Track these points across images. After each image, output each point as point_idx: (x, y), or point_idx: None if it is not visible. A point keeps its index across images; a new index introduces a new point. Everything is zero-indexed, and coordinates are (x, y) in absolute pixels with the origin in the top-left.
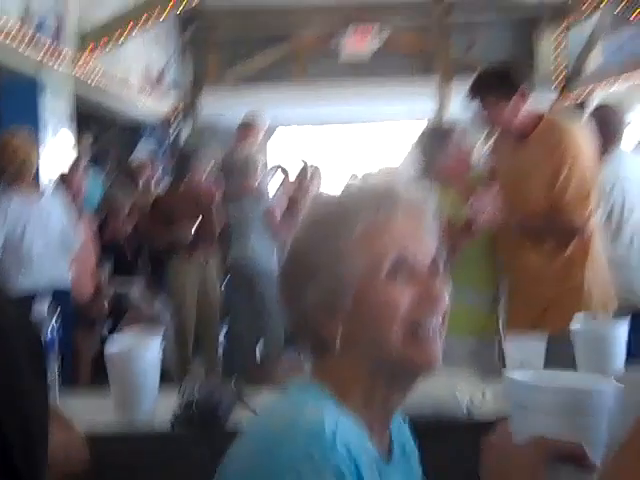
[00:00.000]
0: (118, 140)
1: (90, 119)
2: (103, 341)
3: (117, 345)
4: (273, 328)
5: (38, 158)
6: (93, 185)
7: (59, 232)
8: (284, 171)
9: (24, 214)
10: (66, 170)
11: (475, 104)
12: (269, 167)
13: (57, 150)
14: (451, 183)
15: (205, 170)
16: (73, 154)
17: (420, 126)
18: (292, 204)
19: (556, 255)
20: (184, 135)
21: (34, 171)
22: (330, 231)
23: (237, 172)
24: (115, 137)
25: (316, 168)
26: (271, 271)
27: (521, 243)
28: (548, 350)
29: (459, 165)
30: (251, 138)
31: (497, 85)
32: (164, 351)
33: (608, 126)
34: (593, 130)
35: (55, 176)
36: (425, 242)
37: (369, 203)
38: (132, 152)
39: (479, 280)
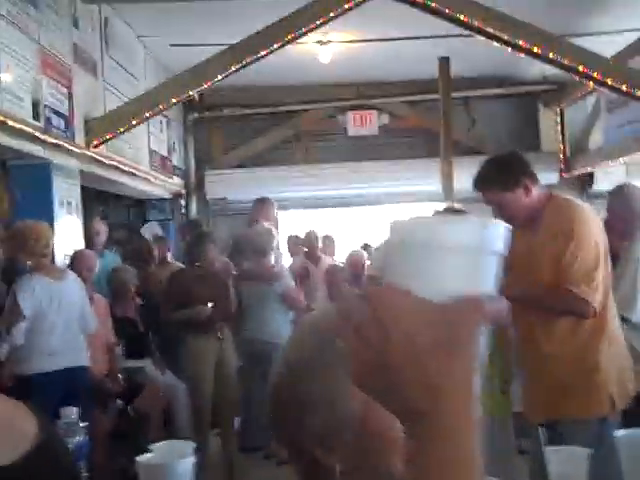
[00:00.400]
0: (127, 214)
1: (100, 195)
2: (119, 416)
3: (151, 456)
4: None
5: (53, 238)
6: (103, 262)
7: (79, 312)
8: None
9: (47, 296)
10: (78, 249)
11: (484, 197)
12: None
13: (69, 229)
14: None
15: (218, 249)
16: (82, 233)
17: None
18: (305, 274)
19: (569, 338)
20: (192, 212)
21: (47, 252)
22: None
23: (253, 251)
24: (124, 211)
25: (328, 237)
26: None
27: (532, 330)
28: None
29: None
30: (266, 217)
31: (498, 179)
32: (182, 423)
33: (632, 203)
34: (618, 208)
35: (68, 255)
36: None
37: None
38: (142, 225)
39: (490, 363)
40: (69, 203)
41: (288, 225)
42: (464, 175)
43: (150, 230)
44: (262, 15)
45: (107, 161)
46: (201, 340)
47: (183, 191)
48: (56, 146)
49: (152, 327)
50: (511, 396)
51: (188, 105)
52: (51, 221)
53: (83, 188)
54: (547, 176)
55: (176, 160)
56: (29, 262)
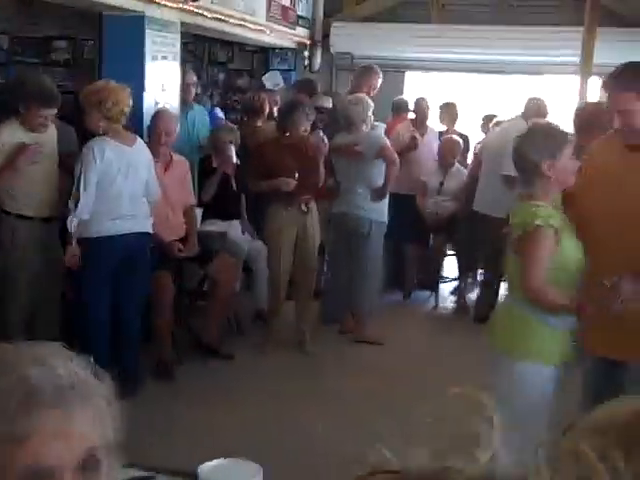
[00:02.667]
0: (251, 62)
1: (225, 43)
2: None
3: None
4: (368, 287)
5: (130, 104)
6: (191, 115)
7: (144, 179)
8: (398, 107)
9: (116, 161)
10: (160, 110)
11: (613, 99)
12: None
13: (161, 83)
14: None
15: (311, 120)
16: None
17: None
18: (412, 142)
19: None
20: (316, 65)
21: (126, 117)
22: None
23: (346, 123)
24: (248, 59)
25: (449, 104)
26: (375, 227)
27: None
28: None
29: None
30: (367, 86)
31: (636, 85)
32: (259, 293)
33: None
34: None
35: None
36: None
37: None
38: (263, 75)
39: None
40: (164, 57)
41: (412, 87)
42: (608, 49)
43: (271, 80)
44: None
45: (209, 14)
46: (283, 212)
47: (308, 42)
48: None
49: (245, 188)
50: None
51: None
52: (141, 76)
53: (203, 37)
54: None
55: (302, 9)
56: (102, 124)
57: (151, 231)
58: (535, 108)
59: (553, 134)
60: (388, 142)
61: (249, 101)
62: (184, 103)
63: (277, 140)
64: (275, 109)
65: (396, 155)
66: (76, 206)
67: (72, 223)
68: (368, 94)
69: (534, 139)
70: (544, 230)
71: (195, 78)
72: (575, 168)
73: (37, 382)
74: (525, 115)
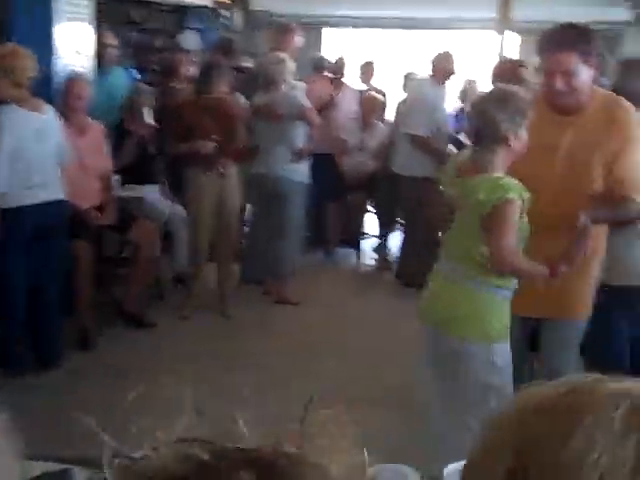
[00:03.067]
0: (163, 21)
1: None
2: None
3: None
4: (289, 247)
5: (35, 70)
6: (110, 79)
7: (55, 145)
8: (317, 66)
9: (28, 129)
10: (71, 76)
11: (553, 59)
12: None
13: (73, 45)
14: None
15: (229, 81)
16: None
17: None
18: (330, 100)
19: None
20: (234, 24)
21: (30, 82)
22: None
23: (264, 82)
24: (161, 18)
25: (368, 62)
26: (295, 187)
27: None
28: None
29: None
30: (285, 45)
31: (581, 45)
32: (179, 257)
33: None
34: None
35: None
36: None
37: None
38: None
39: None
40: (76, 19)
41: (330, 46)
42: (527, 3)
43: (188, 40)
44: None
45: None
46: (201, 175)
47: (226, 0)
48: None
49: (163, 151)
50: None
51: None
52: (50, 40)
53: None
54: (624, 12)
55: None
56: (11, 92)
57: (65, 198)
58: (442, 65)
59: (522, 103)
60: (308, 102)
61: (164, 62)
62: (104, 66)
63: (195, 102)
64: (192, 69)
65: (317, 116)
66: None
67: None
68: (287, 53)
69: (506, 106)
70: (515, 202)
71: (113, 40)
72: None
73: None
74: (434, 73)
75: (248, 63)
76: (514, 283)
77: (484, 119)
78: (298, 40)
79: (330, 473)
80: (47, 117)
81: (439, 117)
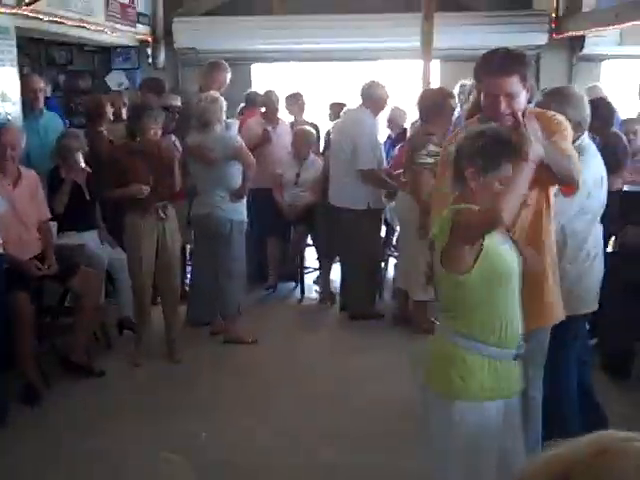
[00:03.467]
0: (92, 62)
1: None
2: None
3: None
4: (235, 286)
5: None
6: (43, 122)
7: None
8: (249, 101)
9: None
10: (2, 126)
11: (496, 84)
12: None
13: (2, 96)
14: None
15: (160, 122)
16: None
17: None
18: (264, 135)
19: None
20: (160, 62)
21: None
22: None
23: (198, 123)
24: (90, 59)
25: (295, 95)
26: (236, 226)
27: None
28: None
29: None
30: (217, 83)
31: (520, 68)
32: (123, 302)
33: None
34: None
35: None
36: None
37: None
38: (105, 76)
39: None
40: (1, 65)
41: (259, 79)
42: (446, 32)
43: (115, 80)
44: None
45: (45, 17)
46: (139, 221)
47: (150, 39)
48: None
49: (99, 196)
50: None
51: None
52: None
53: (38, 39)
54: (536, 36)
55: (141, 6)
56: None
57: (1, 251)
58: (377, 95)
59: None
60: (243, 143)
61: (89, 105)
62: (32, 110)
63: (128, 146)
64: (124, 110)
65: (252, 156)
66: None
67: None
68: (218, 90)
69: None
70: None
71: (42, 83)
72: None
73: None
74: (369, 104)
75: (177, 102)
76: (494, 337)
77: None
78: (227, 77)
79: None
80: None
81: (379, 149)
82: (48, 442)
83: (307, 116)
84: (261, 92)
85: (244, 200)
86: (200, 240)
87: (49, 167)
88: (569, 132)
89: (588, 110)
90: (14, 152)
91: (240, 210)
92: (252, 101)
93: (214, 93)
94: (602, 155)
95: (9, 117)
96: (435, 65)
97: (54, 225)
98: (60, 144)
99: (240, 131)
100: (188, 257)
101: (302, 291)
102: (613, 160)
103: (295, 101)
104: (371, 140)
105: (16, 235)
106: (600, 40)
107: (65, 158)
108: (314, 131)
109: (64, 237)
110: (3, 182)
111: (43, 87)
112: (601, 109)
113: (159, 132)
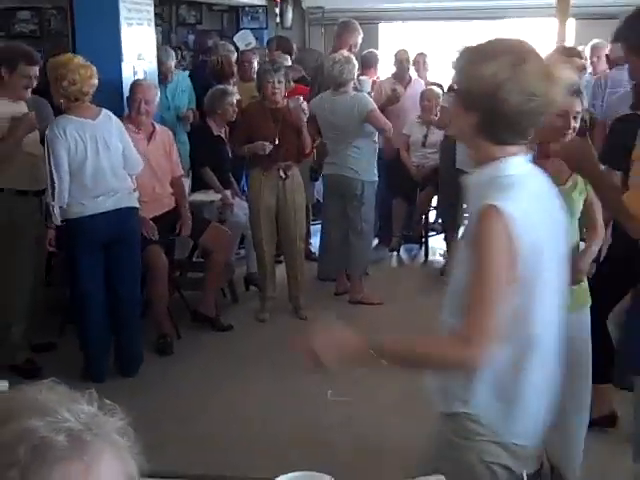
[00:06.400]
0: (220, 21)
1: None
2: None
3: None
4: (363, 246)
5: (94, 83)
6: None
7: (120, 152)
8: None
9: (82, 137)
10: (136, 80)
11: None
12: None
13: (140, 54)
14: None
15: (288, 84)
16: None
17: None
18: (394, 95)
19: None
20: (287, 21)
21: (90, 96)
22: None
23: (331, 83)
24: (218, 18)
25: (422, 54)
26: (367, 187)
27: None
28: None
29: None
30: (347, 43)
31: None
32: (250, 258)
33: None
34: None
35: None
36: None
37: None
38: (234, 35)
39: None
40: (139, 24)
41: (386, 40)
42: None
43: (243, 39)
44: None
45: None
46: (261, 176)
47: None
48: None
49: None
50: None
51: None
52: (118, 46)
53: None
54: None
55: None
56: (62, 101)
57: (137, 205)
58: None
59: None
60: (375, 107)
61: (212, 67)
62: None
63: (260, 104)
64: (254, 68)
65: (384, 120)
66: (53, 195)
67: (55, 212)
68: (350, 51)
69: None
70: None
71: (172, 61)
72: None
73: (46, 433)
74: None
75: (287, 62)
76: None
77: None
78: (359, 38)
79: None
80: (103, 122)
81: None
82: (172, 393)
83: (432, 76)
84: (387, 52)
85: (375, 160)
86: (331, 199)
87: (176, 126)
88: None
89: None
90: (148, 107)
91: (371, 170)
92: (369, 62)
93: (347, 53)
94: None
95: (146, 75)
96: (570, 24)
97: (188, 182)
98: (214, 97)
99: (372, 90)
100: (311, 215)
101: (426, 254)
102: None
103: (420, 61)
104: None
105: (150, 190)
106: None
107: (216, 113)
108: (440, 91)
109: (199, 194)
110: (138, 136)
111: (172, 65)
112: None
113: (282, 90)
